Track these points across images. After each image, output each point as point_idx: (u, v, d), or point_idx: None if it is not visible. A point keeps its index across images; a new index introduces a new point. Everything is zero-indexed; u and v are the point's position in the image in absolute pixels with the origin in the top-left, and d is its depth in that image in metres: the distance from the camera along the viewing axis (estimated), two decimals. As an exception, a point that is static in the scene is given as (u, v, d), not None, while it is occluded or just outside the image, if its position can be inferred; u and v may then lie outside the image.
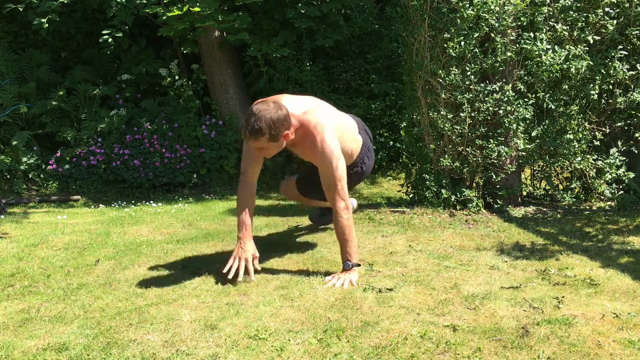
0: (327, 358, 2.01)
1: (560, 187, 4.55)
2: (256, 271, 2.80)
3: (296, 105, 2.79)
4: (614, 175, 4.24)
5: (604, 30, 4.11)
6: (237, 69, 6.54)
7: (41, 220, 4.60)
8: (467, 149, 4.17)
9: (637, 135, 4.28)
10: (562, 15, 4.11)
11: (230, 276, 2.71)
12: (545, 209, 4.27)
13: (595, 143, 4.30)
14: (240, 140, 6.22)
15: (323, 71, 6.31)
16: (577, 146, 4.17)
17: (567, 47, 4.07)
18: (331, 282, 2.69)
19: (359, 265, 2.82)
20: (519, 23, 4.12)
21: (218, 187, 6.09)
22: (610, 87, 4.20)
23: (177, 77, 6.26)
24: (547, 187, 4.52)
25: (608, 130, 4.31)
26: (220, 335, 2.17)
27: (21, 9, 5.85)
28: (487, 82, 4.14)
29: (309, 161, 2.93)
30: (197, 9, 5.37)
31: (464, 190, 4.21)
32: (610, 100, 4.25)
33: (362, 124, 3.28)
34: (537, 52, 4.01)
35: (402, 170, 6.00)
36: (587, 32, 4.09)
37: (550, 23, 4.12)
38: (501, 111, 4.10)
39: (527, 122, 4.19)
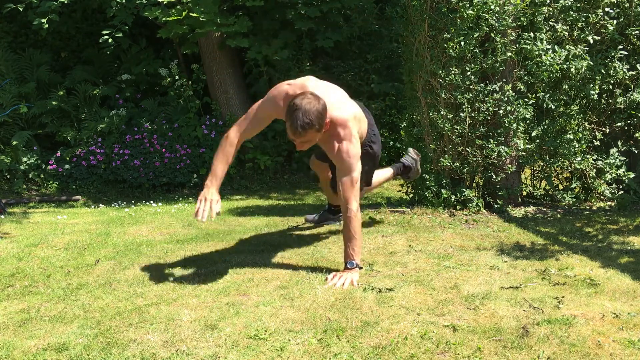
0: (327, 358, 2.01)
1: (560, 187, 4.55)
2: (217, 214, 2.85)
3: (325, 93, 2.79)
4: (614, 175, 4.24)
5: (604, 30, 4.11)
6: (237, 69, 6.54)
7: (41, 220, 4.60)
8: (467, 149, 4.17)
9: (637, 135, 4.28)
10: (562, 15, 4.11)
11: (199, 217, 2.78)
12: (545, 209, 4.27)
13: (595, 143, 4.30)
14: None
15: (323, 71, 6.31)
16: (577, 146, 4.17)
17: (567, 47, 4.07)
18: (332, 282, 2.69)
19: (361, 268, 2.83)
20: (519, 23, 4.12)
21: (218, 187, 6.09)
22: (610, 87, 4.20)
23: (177, 77, 6.27)
24: (547, 187, 4.52)
25: (608, 130, 4.31)
26: (220, 335, 2.17)
27: (21, 9, 5.85)
28: (487, 82, 4.14)
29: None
30: (195, 15, 5.36)
31: (464, 190, 4.21)
32: (610, 100, 4.25)
33: (364, 108, 3.35)
34: (537, 52, 4.01)
35: (402, 170, 6.00)
36: (587, 32, 4.09)
37: (550, 23, 4.12)
38: (501, 111, 4.10)
39: (527, 122, 4.19)
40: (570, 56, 4.05)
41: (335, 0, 6.02)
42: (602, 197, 4.38)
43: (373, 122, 3.37)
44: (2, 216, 4.74)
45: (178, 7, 5.55)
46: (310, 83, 2.85)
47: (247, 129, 2.89)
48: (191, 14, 5.40)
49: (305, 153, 6.33)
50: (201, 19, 5.41)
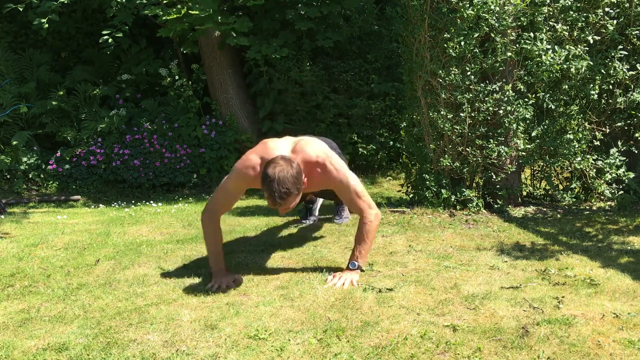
0: (327, 358, 2.01)
1: (560, 187, 4.55)
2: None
3: (285, 148, 2.77)
4: (614, 175, 4.24)
5: (604, 30, 4.11)
6: (237, 69, 6.54)
7: (41, 220, 4.60)
8: (467, 149, 4.17)
9: (637, 135, 4.28)
10: (562, 15, 4.11)
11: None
12: (545, 209, 4.27)
13: (595, 143, 4.30)
14: (240, 140, 6.22)
15: (323, 71, 6.31)
16: (577, 146, 4.16)
17: (567, 47, 4.07)
18: (332, 282, 2.69)
19: (363, 270, 2.83)
20: (519, 23, 4.12)
21: (218, 187, 6.09)
22: (610, 87, 4.20)
23: (177, 77, 6.26)
24: (547, 187, 4.51)
25: (608, 130, 4.31)
26: (220, 335, 2.17)
27: (21, 9, 5.85)
28: (487, 82, 4.14)
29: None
30: (195, 12, 5.36)
31: (464, 190, 4.21)
32: (610, 100, 4.25)
33: (334, 145, 3.39)
34: (537, 52, 4.01)
35: (402, 170, 6.00)
36: (587, 32, 4.09)
37: (550, 23, 4.12)
38: (501, 111, 4.10)
39: (527, 122, 4.19)
40: (570, 56, 4.05)
41: (336, 3, 6.02)
42: (602, 197, 4.38)
43: (340, 152, 3.43)
44: (2, 216, 4.74)
45: (178, 6, 5.55)
46: (270, 144, 2.80)
47: (221, 207, 2.87)
48: (191, 11, 5.40)
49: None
50: (201, 16, 5.41)
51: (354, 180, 2.80)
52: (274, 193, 2.48)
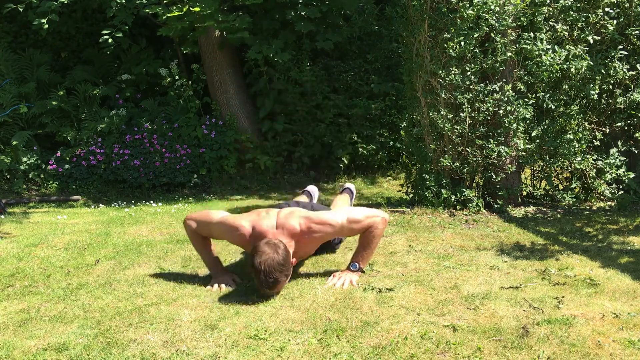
0: (327, 358, 2.01)
1: (560, 187, 4.55)
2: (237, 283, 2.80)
3: (269, 222, 2.75)
4: (614, 175, 4.24)
5: (604, 30, 4.11)
6: (237, 69, 6.54)
7: (41, 220, 4.60)
8: (467, 149, 4.17)
9: (637, 135, 4.28)
10: (562, 15, 4.11)
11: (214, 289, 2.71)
12: (545, 209, 4.27)
13: (595, 143, 4.30)
14: (240, 140, 6.22)
15: (323, 71, 6.31)
16: (577, 146, 4.16)
17: (567, 47, 4.07)
18: (331, 282, 2.69)
19: (363, 272, 2.83)
20: (519, 23, 4.12)
21: (218, 187, 6.10)
22: (610, 87, 4.20)
23: (177, 77, 6.26)
24: (547, 187, 4.51)
25: (608, 130, 4.31)
26: (220, 335, 2.17)
27: (21, 9, 5.85)
28: (487, 82, 4.14)
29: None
30: (197, 9, 5.37)
31: (464, 190, 4.21)
32: (610, 100, 4.25)
33: (309, 203, 3.41)
34: (537, 52, 4.01)
35: (402, 170, 6.01)
36: (587, 32, 4.09)
37: (550, 23, 4.12)
38: (501, 111, 4.10)
39: (527, 122, 4.19)
40: (570, 56, 4.05)
41: (336, 2, 6.02)
42: (602, 197, 4.38)
43: (314, 203, 3.46)
44: (2, 216, 4.74)
45: (178, 5, 5.55)
46: (262, 214, 2.80)
47: (202, 231, 2.87)
48: (192, 9, 5.40)
49: (306, 152, 6.33)
50: (202, 14, 5.41)
51: (341, 216, 2.77)
52: (263, 284, 2.50)
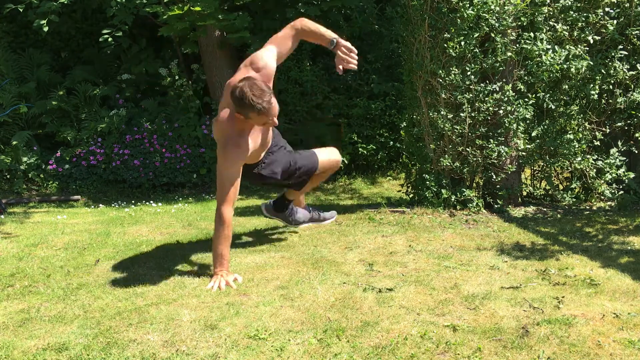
0: (327, 358, 2.01)
1: (561, 187, 4.55)
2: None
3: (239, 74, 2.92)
4: (614, 175, 4.24)
5: (604, 30, 4.11)
6: (237, 68, 6.54)
7: (41, 220, 4.60)
8: (467, 149, 4.17)
9: (637, 135, 4.28)
10: (562, 15, 4.11)
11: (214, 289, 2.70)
12: (545, 209, 4.27)
13: (595, 143, 4.30)
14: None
15: (323, 71, 6.31)
16: (577, 146, 4.16)
17: (567, 47, 4.07)
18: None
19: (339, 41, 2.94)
20: (519, 23, 4.12)
21: (218, 187, 6.09)
22: (610, 87, 4.20)
23: (177, 77, 6.26)
24: (547, 187, 4.51)
25: (608, 130, 4.31)
26: (220, 335, 2.17)
27: (21, 10, 5.85)
28: (487, 82, 4.14)
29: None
30: (197, 9, 5.37)
31: (464, 190, 4.21)
32: (610, 100, 4.25)
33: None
34: (537, 52, 4.01)
35: (402, 170, 6.01)
36: (587, 32, 4.09)
37: (551, 23, 4.12)
38: (501, 111, 4.10)
39: (527, 122, 4.19)
40: (570, 56, 4.05)
41: (336, 0, 6.02)
42: (602, 197, 4.38)
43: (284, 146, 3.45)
44: (2, 216, 4.74)
45: (179, 4, 5.55)
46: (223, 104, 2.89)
47: (234, 197, 2.85)
48: (192, 8, 5.40)
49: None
50: (203, 13, 5.41)
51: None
52: (256, 101, 2.59)
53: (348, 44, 2.90)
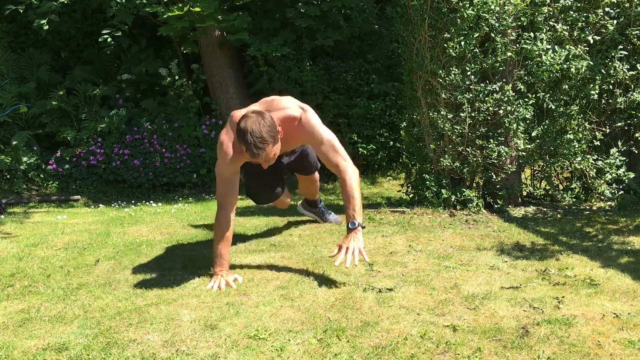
0: (327, 358, 2.01)
1: (561, 187, 4.55)
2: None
3: (259, 106, 2.82)
4: (614, 175, 4.24)
5: (604, 30, 4.11)
6: (237, 68, 6.54)
7: (41, 220, 4.60)
8: (467, 149, 4.17)
9: (637, 135, 4.28)
10: (562, 15, 4.11)
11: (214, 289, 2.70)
12: (545, 209, 4.27)
13: (595, 143, 4.30)
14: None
15: (323, 71, 6.31)
16: (577, 146, 4.16)
17: (567, 47, 4.07)
18: (341, 259, 2.59)
19: (364, 227, 2.79)
20: (519, 23, 4.12)
21: (218, 187, 6.09)
22: (611, 87, 4.20)
23: (177, 77, 6.26)
24: (547, 187, 4.51)
25: (608, 130, 4.31)
26: (220, 335, 2.17)
27: (21, 10, 5.85)
28: (487, 82, 4.14)
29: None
30: (197, 9, 5.37)
31: (464, 190, 4.21)
32: (611, 100, 4.25)
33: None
34: (537, 52, 4.01)
35: (402, 170, 6.00)
36: (587, 32, 4.09)
37: (551, 23, 4.12)
38: (501, 111, 4.10)
39: (527, 122, 4.19)
40: (570, 56, 4.05)
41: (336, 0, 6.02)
42: (602, 197, 4.38)
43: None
44: (2, 216, 4.74)
45: (179, 4, 5.55)
46: (239, 112, 2.80)
47: (230, 199, 2.85)
48: (192, 9, 5.40)
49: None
50: (202, 14, 5.41)
51: (327, 133, 2.80)
52: (250, 145, 2.48)
53: (361, 246, 2.64)
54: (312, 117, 2.81)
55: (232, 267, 2.99)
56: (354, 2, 6.22)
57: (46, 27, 5.72)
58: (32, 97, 6.48)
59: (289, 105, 2.82)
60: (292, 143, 2.92)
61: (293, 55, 6.19)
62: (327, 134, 2.81)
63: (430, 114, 4.18)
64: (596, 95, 4.13)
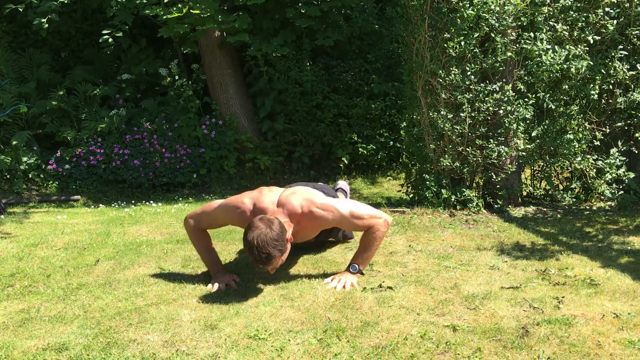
0: (327, 358, 2.01)
1: (561, 187, 4.55)
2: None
3: (270, 199, 2.74)
4: (614, 175, 4.24)
5: (604, 30, 4.11)
6: (237, 69, 6.54)
7: (41, 220, 4.60)
8: (467, 149, 4.17)
9: (637, 135, 4.28)
10: (562, 15, 4.11)
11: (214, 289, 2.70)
12: (545, 209, 4.27)
13: (595, 143, 4.30)
14: (240, 140, 6.22)
15: (323, 71, 6.31)
16: (577, 146, 4.16)
17: (567, 47, 4.07)
18: (331, 285, 2.68)
19: (363, 274, 2.83)
20: (519, 23, 4.12)
21: (218, 187, 6.10)
22: (610, 87, 4.20)
23: (177, 77, 6.26)
24: (547, 187, 4.51)
25: (608, 130, 4.31)
26: (220, 335, 2.17)
27: (21, 10, 5.85)
28: (487, 82, 4.14)
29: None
30: (197, 12, 5.37)
31: (464, 190, 4.21)
32: (610, 100, 4.25)
33: (329, 190, 3.32)
34: (537, 52, 4.01)
35: (402, 170, 6.00)
36: (587, 32, 4.09)
37: (551, 23, 4.12)
38: (501, 111, 4.10)
39: (527, 122, 4.19)
40: (570, 56, 4.05)
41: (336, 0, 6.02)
42: (602, 197, 4.38)
43: (329, 190, 3.33)
44: (2, 216, 4.74)
45: (179, 5, 5.55)
46: (264, 191, 2.79)
47: (204, 224, 2.87)
48: (192, 11, 5.40)
49: (306, 152, 6.33)
50: (202, 16, 5.41)
51: (345, 207, 2.74)
52: (257, 260, 2.47)
53: (354, 281, 2.70)
54: (322, 204, 2.72)
55: (232, 267, 2.99)
56: (354, 2, 6.22)
57: (46, 27, 5.71)
58: (32, 97, 6.47)
59: (298, 200, 2.71)
60: (313, 233, 2.87)
61: (293, 55, 6.19)
62: (343, 208, 2.73)
63: (430, 114, 4.18)
64: (596, 95, 4.13)
